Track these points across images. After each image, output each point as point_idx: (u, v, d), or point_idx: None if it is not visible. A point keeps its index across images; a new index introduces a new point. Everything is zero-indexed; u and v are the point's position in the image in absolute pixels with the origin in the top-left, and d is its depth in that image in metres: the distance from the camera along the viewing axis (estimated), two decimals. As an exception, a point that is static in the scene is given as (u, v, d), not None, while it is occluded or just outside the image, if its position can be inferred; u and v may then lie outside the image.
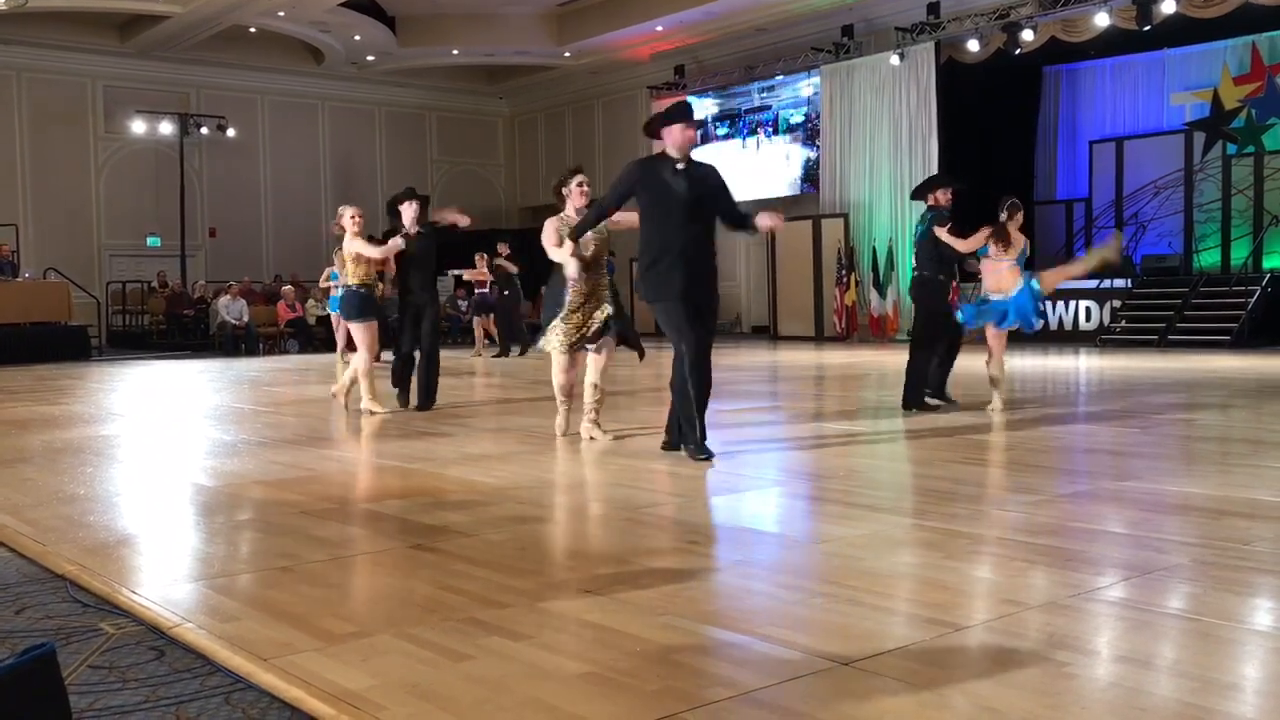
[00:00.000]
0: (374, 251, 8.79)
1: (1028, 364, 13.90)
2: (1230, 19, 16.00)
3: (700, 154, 6.37)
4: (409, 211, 8.93)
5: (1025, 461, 5.99)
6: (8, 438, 7.85)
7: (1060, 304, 18.19)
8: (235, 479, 5.86)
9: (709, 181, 6.11)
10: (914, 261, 8.63)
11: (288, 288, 21.13)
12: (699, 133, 7.20)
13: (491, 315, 17.28)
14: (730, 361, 12.27)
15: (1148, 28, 16.38)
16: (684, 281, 5.93)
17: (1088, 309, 17.82)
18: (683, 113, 6.13)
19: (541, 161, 26.58)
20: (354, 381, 8.96)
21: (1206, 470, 5.77)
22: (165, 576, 3.87)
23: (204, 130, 22.82)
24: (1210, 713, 2.44)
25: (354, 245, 8.70)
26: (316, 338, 20.38)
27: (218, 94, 23.50)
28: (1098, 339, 17.12)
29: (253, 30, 21.69)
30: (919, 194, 8.54)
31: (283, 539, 4.34)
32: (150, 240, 23.21)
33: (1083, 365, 13.62)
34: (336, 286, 14.24)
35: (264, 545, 4.32)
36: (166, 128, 22.62)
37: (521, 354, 16.26)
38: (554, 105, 26.36)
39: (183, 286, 21.93)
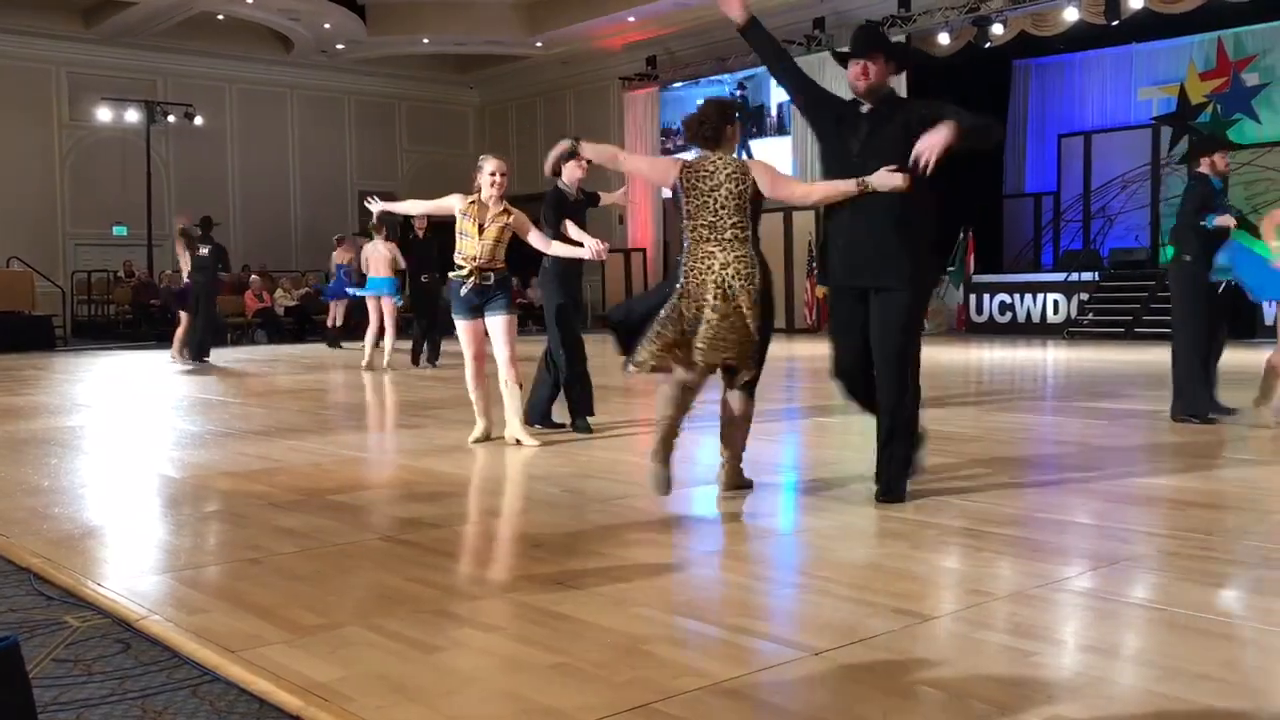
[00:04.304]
0: (565, 249, 6.42)
1: (996, 356, 14.00)
2: (1196, 15, 16.15)
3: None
4: (572, 172, 6.85)
5: (992, 453, 6.03)
6: (-30, 428, 7.75)
7: (1029, 296, 18.34)
8: (202, 470, 5.81)
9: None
10: (1171, 239, 7.29)
11: (255, 277, 20.97)
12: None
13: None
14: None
15: (1115, 22, 16.52)
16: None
17: (1055, 301, 17.98)
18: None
19: (513, 152, 26.46)
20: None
21: (1171, 461, 5.84)
22: (131, 569, 3.83)
23: (171, 118, 22.56)
24: (1175, 700, 2.47)
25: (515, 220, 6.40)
26: (285, 327, 20.25)
27: (185, 81, 23.24)
28: (1065, 331, 17.28)
29: (221, 17, 21.47)
30: (1192, 158, 7.27)
31: (250, 530, 4.31)
32: (117, 229, 22.95)
33: (1050, 357, 13.73)
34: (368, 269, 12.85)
35: (231, 537, 4.28)
36: (133, 115, 22.35)
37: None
38: (525, 96, 26.25)
39: (149, 276, 21.70)
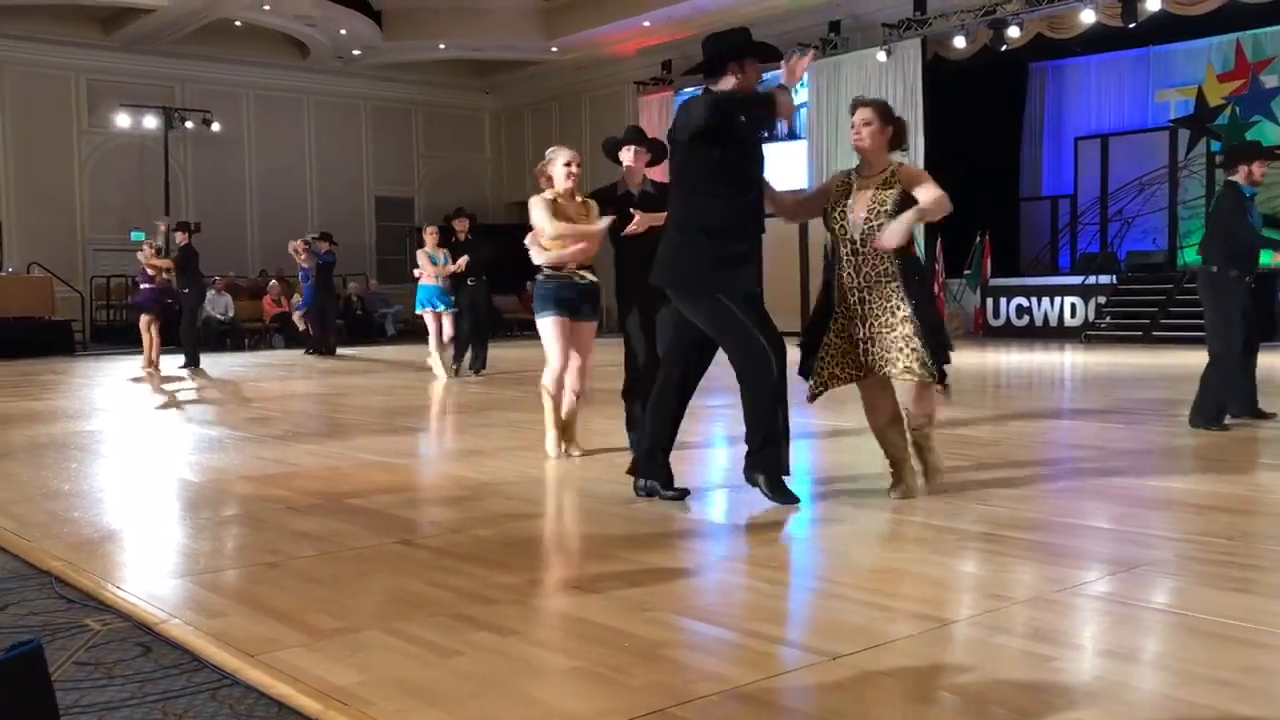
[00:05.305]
0: (545, 227, 5.91)
1: (1013, 359, 13.94)
2: (1214, 16, 16.08)
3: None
4: (631, 159, 6.14)
5: (1010, 457, 6.01)
6: (-9, 433, 7.80)
7: (1046, 300, 18.27)
8: (220, 474, 5.84)
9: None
10: (1200, 250, 7.12)
11: (273, 282, 21.06)
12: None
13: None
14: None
15: (1133, 25, 16.45)
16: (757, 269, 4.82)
17: (1073, 305, 17.91)
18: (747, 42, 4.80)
19: (528, 156, 26.48)
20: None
21: (1190, 465, 5.81)
22: (151, 572, 3.86)
23: (189, 124, 22.69)
24: (1195, 706, 2.46)
25: (539, 214, 5.93)
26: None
27: (203, 88, 23.36)
28: (1083, 335, 17.21)
29: (238, 24, 21.59)
30: (1228, 164, 7.10)
31: (268, 534, 4.33)
32: (135, 235, 23.06)
33: (1068, 361, 13.67)
34: (426, 276, 11.95)
35: (250, 541, 4.30)
36: (151, 122, 22.49)
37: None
38: (541, 100, 26.30)
39: (167, 281, 21.81)
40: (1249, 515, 4.54)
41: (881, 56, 19.03)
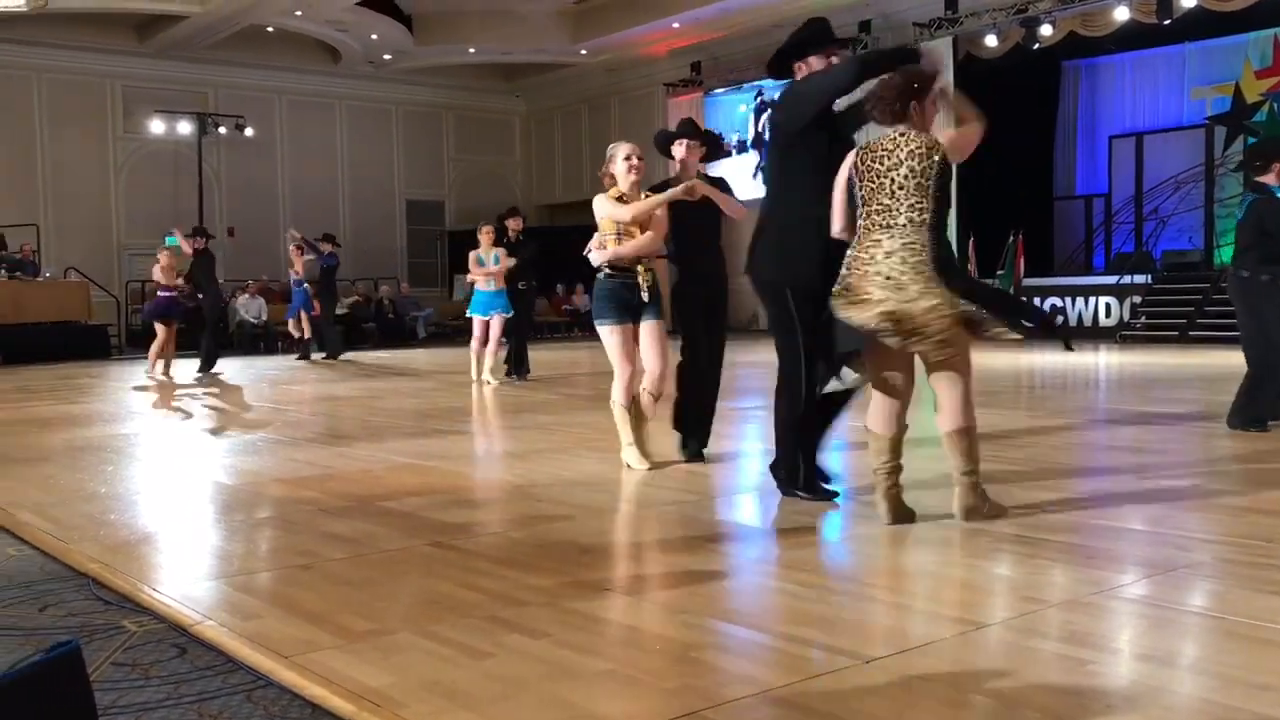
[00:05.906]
0: (622, 212, 5.61)
1: (1048, 360, 13.83)
2: (1252, 12, 15.89)
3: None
4: (685, 154, 5.84)
5: (1045, 458, 5.96)
6: (29, 436, 7.90)
7: (1080, 300, 18.12)
8: (254, 477, 5.88)
9: None
10: (1233, 258, 6.93)
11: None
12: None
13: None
14: (747, 359, 12.33)
15: (1167, 21, 16.29)
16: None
17: (1108, 305, 17.75)
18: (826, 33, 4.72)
19: (558, 159, 26.60)
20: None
21: (1228, 467, 5.73)
22: (186, 574, 3.89)
23: (222, 130, 22.90)
24: (1235, 711, 2.43)
25: (606, 206, 5.66)
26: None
27: (236, 93, 23.58)
28: (1118, 335, 17.05)
29: (270, 30, 21.77)
30: (1262, 164, 6.73)
31: (302, 537, 4.36)
32: (169, 239, 23.30)
33: (1103, 361, 13.55)
34: (476, 280, 11.57)
35: (284, 543, 4.33)
36: (185, 127, 22.72)
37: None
38: (570, 103, 26.36)
39: (187, 289, 21.98)
40: (1289, 517, 4.47)
41: (912, 56, 18.94)
